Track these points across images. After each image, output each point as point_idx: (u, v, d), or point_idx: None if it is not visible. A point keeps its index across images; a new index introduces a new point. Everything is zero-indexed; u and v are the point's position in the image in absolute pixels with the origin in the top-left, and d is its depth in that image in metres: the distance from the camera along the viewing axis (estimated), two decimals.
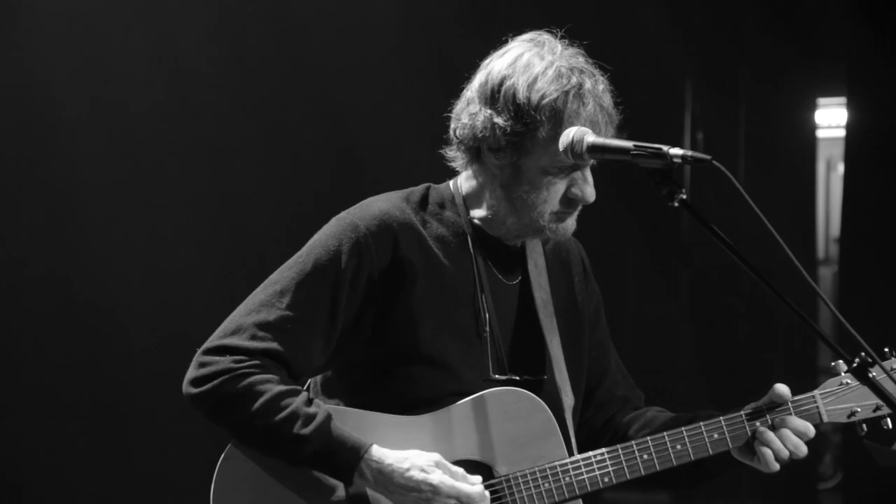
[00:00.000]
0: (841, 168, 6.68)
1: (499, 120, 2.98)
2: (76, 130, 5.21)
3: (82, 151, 5.24)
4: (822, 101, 6.33)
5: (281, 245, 3.21)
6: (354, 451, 2.93)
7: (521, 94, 2.96)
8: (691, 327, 5.95)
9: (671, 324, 5.93)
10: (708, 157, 2.71)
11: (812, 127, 6.27)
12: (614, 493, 5.99)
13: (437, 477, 2.92)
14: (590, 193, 3.02)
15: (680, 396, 5.66)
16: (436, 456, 2.96)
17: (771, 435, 3.04)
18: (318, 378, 3.14)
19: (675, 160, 2.75)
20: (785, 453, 3.04)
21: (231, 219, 5.42)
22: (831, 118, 6.62)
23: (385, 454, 2.94)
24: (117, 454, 5.31)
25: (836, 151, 7.09)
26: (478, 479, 2.97)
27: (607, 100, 3.01)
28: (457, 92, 3.12)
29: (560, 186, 3.00)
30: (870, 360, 2.57)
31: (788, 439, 3.04)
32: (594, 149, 2.91)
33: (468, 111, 3.04)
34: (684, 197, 2.74)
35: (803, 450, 3.06)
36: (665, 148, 2.77)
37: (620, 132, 3.01)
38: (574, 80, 2.97)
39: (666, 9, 5.86)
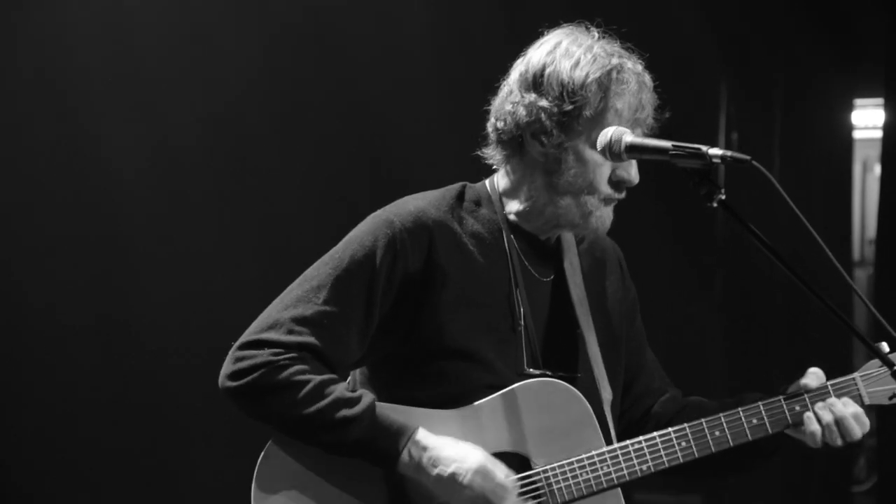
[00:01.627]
0: (877, 169, 6.65)
1: (544, 103, 2.99)
2: (101, 132, 5.25)
3: (105, 152, 5.27)
4: (859, 101, 6.30)
5: (310, 245, 3.23)
6: (400, 434, 2.95)
7: (566, 75, 2.99)
8: (724, 327, 5.93)
9: (704, 323, 5.91)
10: (748, 157, 2.71)
11: (848, 128, 6.23)
12: (645, 493, 6.02)
13: (479, 456, 2.95)
14: (634, 175, 3.03)
15: (712, 396, 5.65)
16: (480, 451, 2.97)
17: (827, 414, 3.02)
18: (357, 374, 3.16)
19: (715, 160, 2.75)
20: (832, 426, 3.02)
21: (257, 221, 5.44)
22: (868, 119, 6.58)
23: (430, 436, 2.96)
24: (143, 457, 5.34)
25: (872, 153, 7.05)
26: (510, 473, 2.97)
27: (648, 80, 3.05)
28: (488, 93, 3.13)
29: (606, 169, 3.01)
30: None
31: (844, 422, 3.02)
32: (633, 148, 2.92)
33: (510, 101, 3.05)
34: (723, 197, 2.73)
35: (856, 433, 3.04)
36: (704, 148, 2.77)
37: (661, 113, 3.04)
38: (615, 60, 3.01)
39: (701, 9, 5.84)
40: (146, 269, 5.34)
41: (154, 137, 5.31)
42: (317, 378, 2.96)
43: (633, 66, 3.03)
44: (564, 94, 2.98)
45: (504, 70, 3.11)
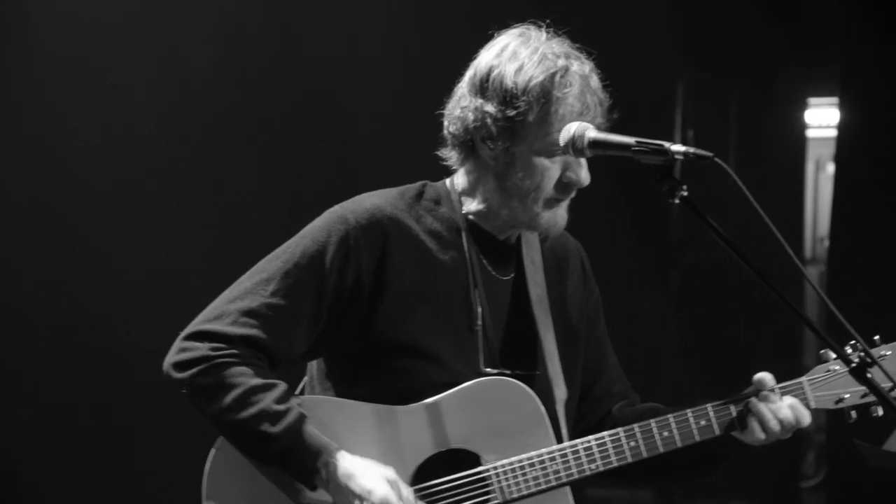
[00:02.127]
0: (830, 168, 6.71)
1: (489, 108, 2.98)
2: (72, 131, 5.19)
3: (78, 152, 5.21)
4: (812, 100, 6.35)
5: (276, 239, 3.21)
6: (317, 456, 2.93)
7: (509, 80, 2.97)
8: (681, 323, 5.96)
9: (660, 320, 5.95)
10: (710, 154, 2.71)
11: (802, 126, 6.28)
12: (599, 489, 6.04)
13: (383, 491, 2.92)
14: (584, 177, 3.02)
15: (669, 392, 5.68)
16: (391, 472, 2.95)
17: (762, 406, 3.02)
18: (314, 371, 3.14)
19: (677, 157, 2.74)
20: (774, 423, 3.02)
21: (227, 217, 5.40)
22: (821, 118, 6.64)
23: (345, 462, 2.94)
24: (110, 452, 5.29)
25: (825, 151, 7.12)
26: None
27: (595, 81, 3.02)
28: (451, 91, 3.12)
29: (554, 171, 3.00)
30: (868, 360, 2.57)
31: (780, 411, 3.02)
32: (595, 144, 2.90)
33: (459, 105, 3.05)
34: (685, 194, 2.74)
35: (792, 422, 3.03)
36: (667, 144, 2.76)
37: (610, 114, 3.02)
38: (560, 62, 2.99)
39: (659, 7, 5.86)
40: (118, 267, 5.28)
41: (119, 132, 5.25)
42: (249, 383, 2.93)
43: (578, 69, 3.00)
44: (508, 99, 2.96)
45: (468, 64, 3.11)
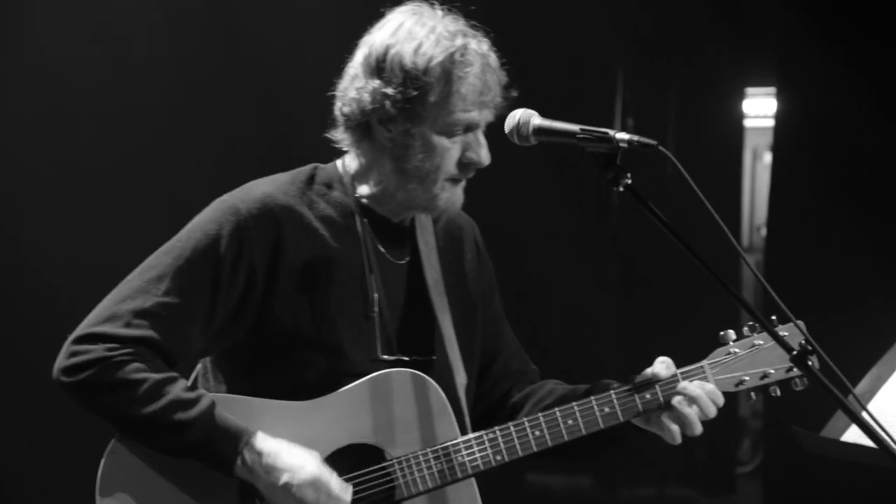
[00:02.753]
0: (767, 158, 6.78)
1: (388, 89, 2.93)
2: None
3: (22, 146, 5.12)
4: (750, 90, 6.40)
5: None
6: (237, 438, 2.88)
7: (408, 60, 2.92)
8: (618, 311, 5.99)
9: (598, 308, 5.96)
10: (654, 142, 2.73)
11: (739, 116, 6.33)
12: (538, 475, 6.06)
13: (313, 467, 2.89)
14: (485, 156, 3.00)
15: (602, 377, 5.70)
16: (315, 453, 2.92)
17: (684, 406, 3.03)
18: (209, 363, 3.07)
19: (622, 144, 2.75)
20: (695, 423, 3.03)
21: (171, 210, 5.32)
22: (759, 108, 6.70)
23: (267, 442, 2.90)
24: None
25: (762, 141, 7.19)
26: (345, 486, 2.93)
27: (493, 60, 3.00)
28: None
29: (455, 151, 2.98)
30: (810, 347, 2.59)
31: (700, 401, 3.03)
32: (540, 131, 2.90)
33: (354, 86, 2.98)
34: (629, 181, 2.75)
35: (711, 412, 3.05)
36: (612, 132, 2.77)
37: (508, 91, 3.00)
38: (458, 41, 2.95)
39: None
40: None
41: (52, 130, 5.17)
42: (154, 377, 2.87)
43: (477, 47, 2.97)
44: (407, 80, 2.92)
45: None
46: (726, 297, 2.73)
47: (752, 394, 3.09)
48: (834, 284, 5.52)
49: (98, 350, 2.87)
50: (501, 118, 3.04)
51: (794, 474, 5.65)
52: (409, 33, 2.96)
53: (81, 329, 2.91)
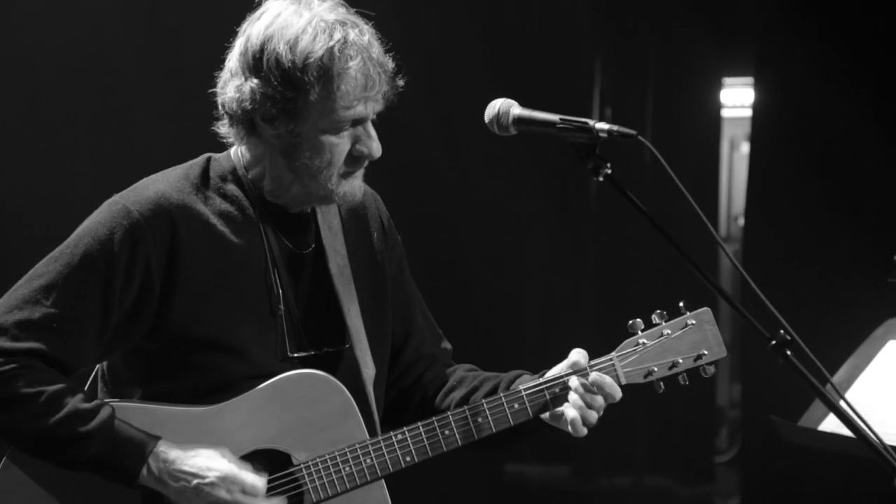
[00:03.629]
0: (745, 148, 6.78)
1: (267, 89, 2.83)
2: None
3: None
4: (728, 80, 6.41)
5: None
6: (141, 447, 2.80)
7: (285, 59, 2.81)
8: (597, 301, 5.99)
9: (577, 297, 5.97)
10: (634, 132, 2.72)
11: (717, 106, 6.34)
12: (515, 465, 6.07)
13: (222, 466, 2.84)
14: (376, 148, 2.92)
15: None
16: (224, 450, 2.86)
17: (574, 397, 2.98)
18: (105, 368, 2.99)
19: (602, 134, 2.75)
20: (591, 415, 2.98)
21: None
22: (736, 98, 6.70)
23: (172, 448, 2.82)
24: None
25: (739, 131, 7.20)
26: (259, 480, 2.88)
27: (376, 50, 2.89)
28: None
29: (344, 146, 2.89)
30: (788, 337, 2.59)
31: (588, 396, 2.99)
32: (520, 121, 2.88)
33: (233, 84, 2.88)
34: (609, 171, 2.74)
35: (599, 402, 2.99)
36: (591, 122, 2.76)
37: (394, 80, 2.92)
38: (337, 34, 2.84)
39: None
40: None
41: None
42: (48, 389, 2.77)
43: (357, 38, 2.85)
44: (286, 80, 2.81)
45: None
46: (705, 286, 2.73)
47: (662, 384, 3.07)
48: (811, 273, 5.54)
49: None
50: (402, 94, 2.95)
51: (771, 463, 5.67)
52: (285, 26, 2.84)
53: None
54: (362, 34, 2.88)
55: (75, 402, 2.79)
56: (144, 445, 2.80)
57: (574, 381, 2.99)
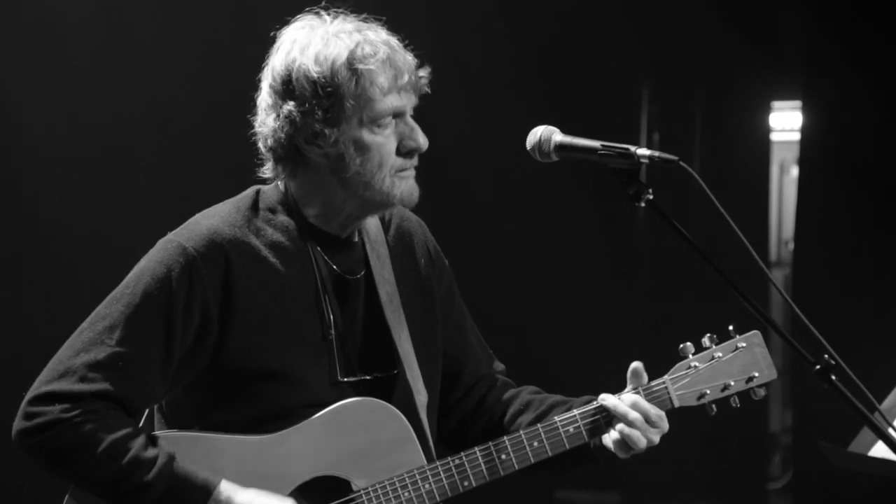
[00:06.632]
0: (794, 171, 6.74)
1: (304, 107, 2.88)
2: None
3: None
4: (776, 104, 6.38)
5: None
6: (203, 491, 2.84)
7: (313, 71, 2.87)
8: (645, 328, 5.98)
9: (625, 324, 5.96)
10: (675, 157, 2.72)
11: (766, 130, 6.32)
12: (566, 492, 6.05)
13: None
14: (422, 140, 2.95)
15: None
16: (289, 501, 2.89)
17: (621, 425, 3.00)
18: (162, 401, 3.02)
19: (643, 160, 2.75)
20: (639, 441, 3.00)
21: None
22: (785, 122, 6.67)
23: (233, 494, 2.86)
24: None
25: (789, 155, 7.15)
26: None
27: (395, 42, 2.94)
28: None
29: (390, 144, 2.92)
30: (833, 362, 2.57)
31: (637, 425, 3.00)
32: (561, 148, 2.89)
33: (270, 117, 2.93)
34: (651, 197, 2.74)
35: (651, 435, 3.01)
36: (633, 148, 2.77)
37: (419, 69, 2.95)
38: (355, 35, 2.90)
39: (624, 11, 5.88)
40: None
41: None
42: (111, 437, 2.80)
43: (375, 36, 2.91)
44: (319, 90, 2.86)
45: None
46: (751, 313, 2.72)
47: (714, 406, 3.09)
48: (861, 298, 5.49)
49: (54, 411, 2.80)
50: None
51: (824, 490, 5.61)
52: (305, 45, 2.91)
53: (36, 388, 2.85)
54: (378, 32, 2.94)
55: (137, 450, 2.82)
56: (206, 489, 2.84)
57: (610, 401, 3.02)
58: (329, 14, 2.97)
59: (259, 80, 2.99)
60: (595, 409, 3.04)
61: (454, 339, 3.19)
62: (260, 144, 2.98)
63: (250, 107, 3.02)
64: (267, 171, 3.01)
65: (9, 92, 5.09)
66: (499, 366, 3.29)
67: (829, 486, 5.51)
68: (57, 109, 5.14)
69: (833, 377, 2.59)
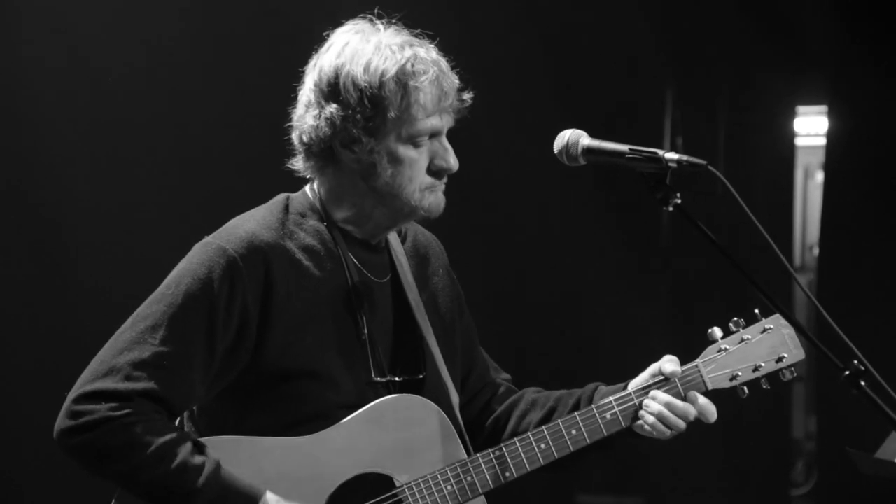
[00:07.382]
0: (819, 176, 6.73)
1: (346, 112, 2.92)
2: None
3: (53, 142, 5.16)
4: (801, 108, 6.36)
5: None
6: (250, 499, 2.86)
7: (361, 80, 2.91)
8: (669, 330, 5.96)
9: (649, 326, 5.94)
10: (703, 161, 2.73)
11: (791, 135, 6.30)
12: (588, 496, 6.04)
13: None
14: (454, 161, 3.00)
15: None
16: None
17: (655, 407, 3.06)
18: (196, 408, 3.04)
19: (671, 164, 2.76)
20: (673, 421, 3.06)
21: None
22: (810, 126, 6.65)
23: (279, 502, 2.89)
24: None
25: (814, 159, 7.14)
26: None
27: (444, 64, 2.99)
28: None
29: (423, 161, 2.97)
30: (862, 368, 2.57)
31: (676, 410, 3.06)
32: (590, 151, 2.90)
33: (310, 114, 2.97)
34: (679, 201, 2.74)
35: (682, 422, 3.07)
36: (660, 152, 2.77)
37: (461, 94, 2.99)
38: (407, 52, 2.94)
39: (647, 14, 5.87)
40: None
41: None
42: (159, 440, 2.82)
43: (427, 55, 2.96)
44: (364, 99, 2.91)
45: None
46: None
47: (745, 388, 3.11)
48: (886, 304, 5.47)
49: (101, 410, 2.81)
50: (472, 122, 3.01)
51: (849, 496, 5.59)
52: (357, 52, 2.94)
53: (80, 387, 2.85)
54: (430, 51, 2.98)
55: (185, 455, 2.83)
56: (253, 495, 2.86)
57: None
58: (382, 22, 3.01)
59: (303, 72, 3.02)
60: (629, 395, 3.08)
61: (464, 348, 3.25)
62: (294, 137, 3.03)
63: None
64: (296, 163, 3.05)
65: (30, 94, 5.12)
66: (505, 375, 3.35)
67: (853, 493, 5.49)
68: (80, 113, 5.17)
69: (862, 383, 2.58)
